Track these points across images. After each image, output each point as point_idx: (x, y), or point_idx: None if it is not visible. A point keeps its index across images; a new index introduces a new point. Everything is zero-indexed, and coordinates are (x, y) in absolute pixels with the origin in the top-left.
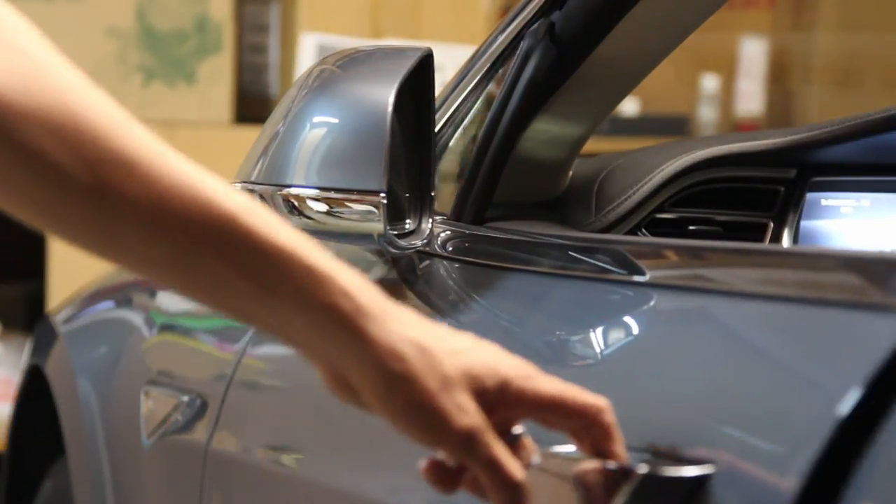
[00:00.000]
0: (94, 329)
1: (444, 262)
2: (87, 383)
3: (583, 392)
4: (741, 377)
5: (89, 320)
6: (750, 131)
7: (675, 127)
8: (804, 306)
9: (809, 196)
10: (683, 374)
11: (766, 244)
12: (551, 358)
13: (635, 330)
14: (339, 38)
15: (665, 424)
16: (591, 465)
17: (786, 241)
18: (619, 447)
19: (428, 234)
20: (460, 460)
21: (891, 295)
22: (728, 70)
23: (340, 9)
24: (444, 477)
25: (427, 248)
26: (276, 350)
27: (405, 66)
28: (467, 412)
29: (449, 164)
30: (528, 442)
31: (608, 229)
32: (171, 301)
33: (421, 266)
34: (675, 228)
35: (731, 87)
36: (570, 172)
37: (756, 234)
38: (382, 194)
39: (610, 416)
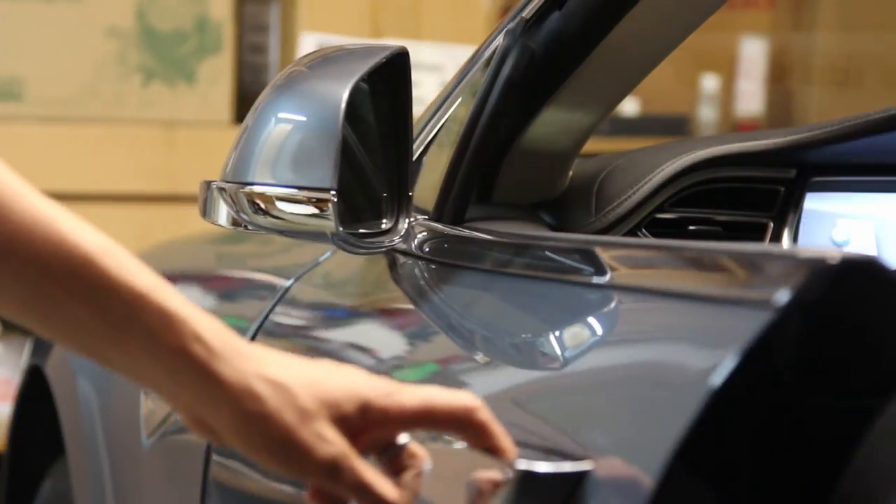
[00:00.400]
0: None
1: (420, 263)
2: (87, 383)
3: (451, 395)
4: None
5: None
6: (750, 131)
7: (675, 127)
8: (669, 300)
9: (809, 196)
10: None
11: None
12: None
13: (598, 330)
14: (339, 38)
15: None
16: (473, 463)
17: (786, 241)
18: (502, 441)
19: (404, 234)
20: (330, 489)
21: (749, 289)
22: (728, 70)
23: (340, 9)
24: (330, 501)
25: (404, 248)
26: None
27: (367, 65)
28: (328, 441)
29: (439, 163)
30: (416, 450)
31: (608, 229)
32: None
33: (398, 265)
34: (675, 228)
35: (731, 87)
36: (570, 172)
37: (756, 234)
38: (333, 192)
39: (483, 414)
